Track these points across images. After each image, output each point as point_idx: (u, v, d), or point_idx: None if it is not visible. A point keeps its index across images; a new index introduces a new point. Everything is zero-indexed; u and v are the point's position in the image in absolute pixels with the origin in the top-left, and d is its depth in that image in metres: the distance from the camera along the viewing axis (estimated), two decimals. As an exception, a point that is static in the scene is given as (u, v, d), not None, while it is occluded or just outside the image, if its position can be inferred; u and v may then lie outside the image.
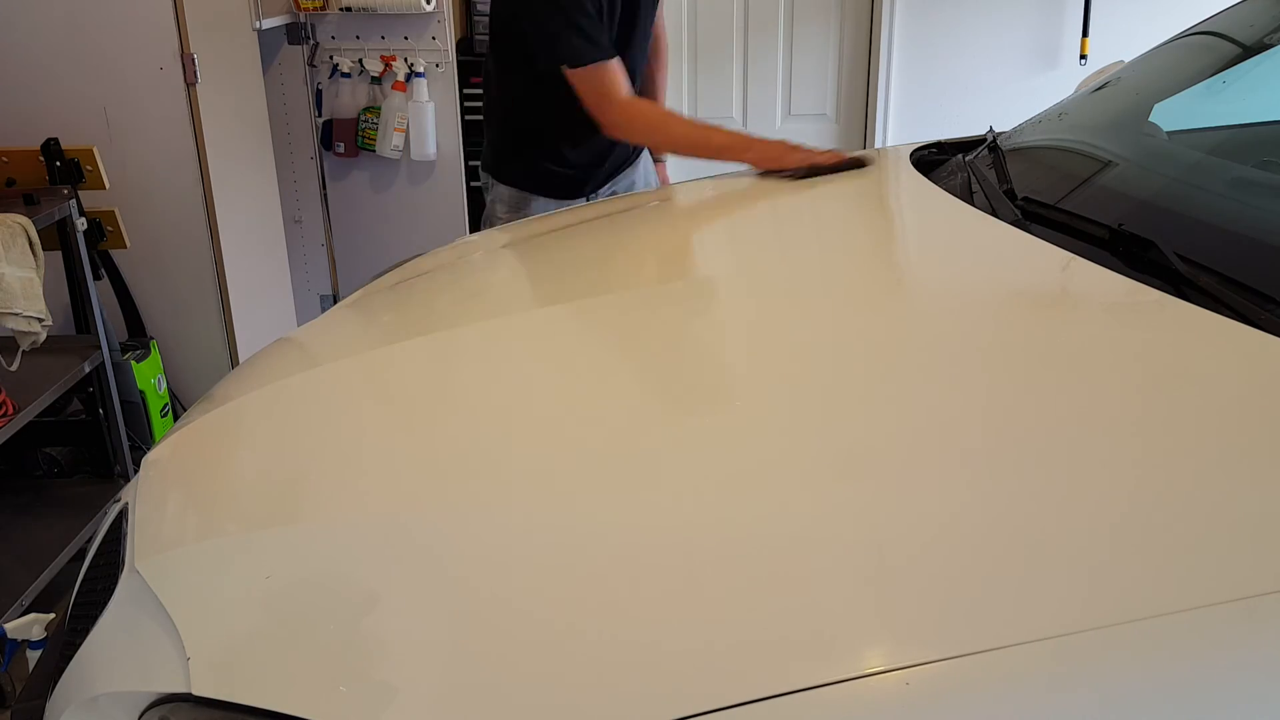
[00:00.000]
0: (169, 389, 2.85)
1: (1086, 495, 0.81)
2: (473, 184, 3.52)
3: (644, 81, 2.29)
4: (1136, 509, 0.79)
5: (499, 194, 2.23)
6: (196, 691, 0.79)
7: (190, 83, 2.59)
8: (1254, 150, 1.57)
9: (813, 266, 1.41)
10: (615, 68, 1.91)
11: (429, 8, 3.20)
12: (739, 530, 0.82)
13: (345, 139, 3.42)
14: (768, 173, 1.79)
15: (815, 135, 3.84)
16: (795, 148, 1.80)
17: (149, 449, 1.83)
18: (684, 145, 2.02)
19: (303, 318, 3.17)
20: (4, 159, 2.38)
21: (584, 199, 2.21)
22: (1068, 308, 1.18)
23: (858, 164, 1.76)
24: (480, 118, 3.49)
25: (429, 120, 3.34)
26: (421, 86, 3.31)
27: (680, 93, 3.81)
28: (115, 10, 2.56)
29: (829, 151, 1.80)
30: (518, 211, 2.18)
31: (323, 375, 1.31)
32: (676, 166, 3.86)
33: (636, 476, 0.94)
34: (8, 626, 1.43)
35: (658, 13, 2.21)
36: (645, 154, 2.36)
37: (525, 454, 0.99)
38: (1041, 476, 0.84)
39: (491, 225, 2.22)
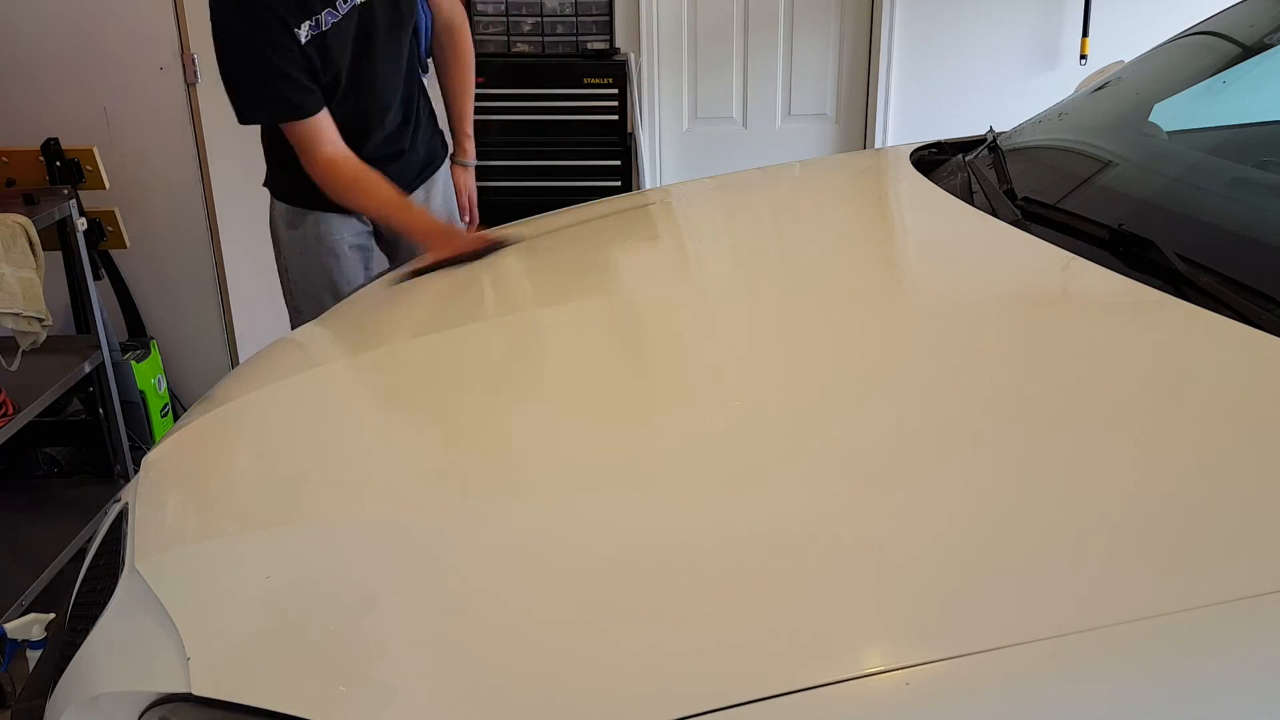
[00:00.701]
0: (169, 389, 2.85)
1: (1087, 495, 0.81)
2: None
3: (446, 86, 2.27)
4: (1137, 509, 0.79)
5: (277, 210, 2.09)
6: (196, 691, 0.79)
7: (190, 83, 2.59)
8: (1254, 150, 1.57)
9: (814, 266, 1.41)
10: (317, 124, 1.85)
11: (429, 8, 3.20)
12: (739, 530, 0.82)
13: (345, 139, 3.41)
14: (418, 271, 1.70)
15: (815, 135, 3.84)
16: (454, 235, 1.88)
17: (149, 449, 1.83)
18: (376, 209, 1.96)
19: (303, 317, 3.16)
20: (4, 159, 2.38)
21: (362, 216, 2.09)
22: (1068, 308, 1.18)
23: (498, 246, 1.69)
24: (481, 117, 3.50)
25: (429, 120, 3.34)
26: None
27: (680, 93, 3.81)
28: (115, 10, 2.57)
29: (476, 237, 1.81)
30: (297, 228, 2.06)
31: (323, 375, 1.31)
32: (676, 169, 3.86)
33: (637, 476, 0.94)
34: (8, 626, 1.43)
35: (448, 6, 2.17)
36: (445, 169, 2.29)
37: (525, 454, 0.99)
38: (1042, 476, 0.84)
39: (277, 243, 2.10)
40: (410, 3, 2.02)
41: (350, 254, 2.07)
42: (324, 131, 1.86)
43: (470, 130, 2.34)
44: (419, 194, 2.16)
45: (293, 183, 2.00)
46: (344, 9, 1.87)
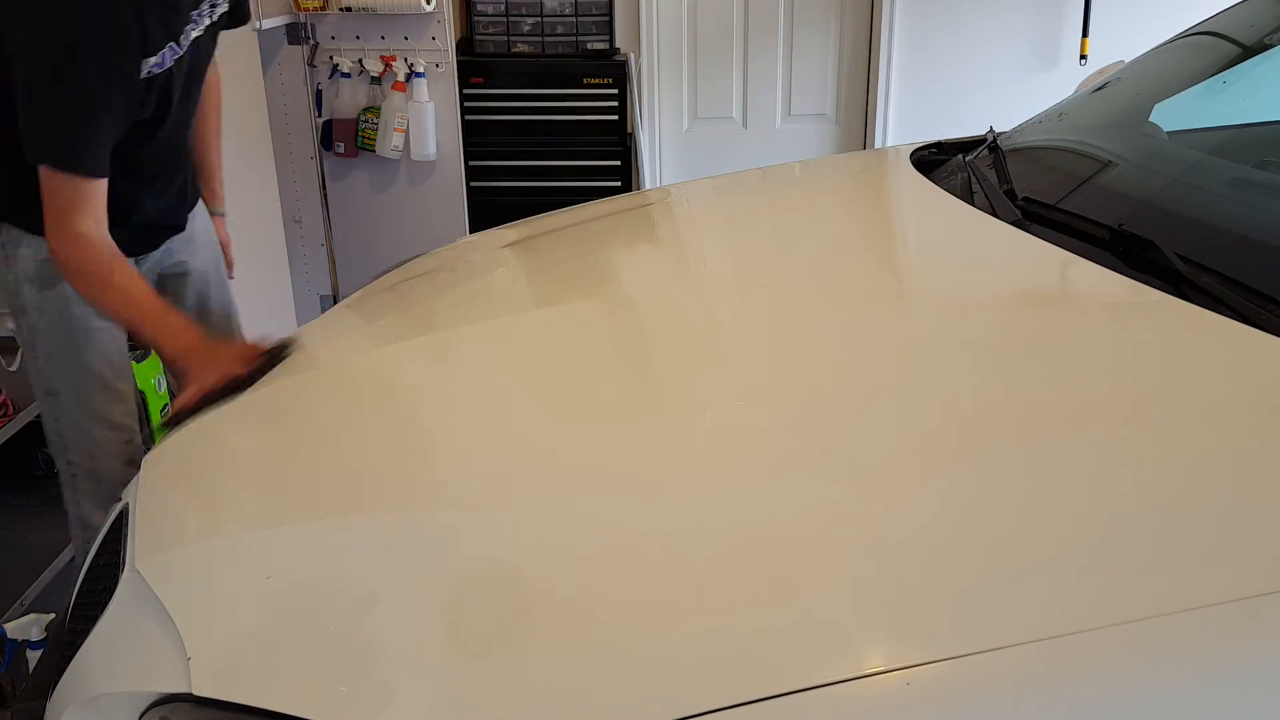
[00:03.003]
0: (169, 389, 2.85)
1: (1087, 495, 0.81)
2: (473, 184, 3.52)
3: (201, 129, 1.87)
4: (1137, 509, 0.79)
5: (22, 262, 1.57)
6: (197, 691, 0.79)
7: (190, 83, 2.58)
8: (1254, 150, 1.57)
9: (814, 267, 1.41)
10: (97, 190, 1.44)
11: (429, 8, 3.20)
12: (740, 531, 0.82)
13: (345, 139, 3.41)
14: (179, 414, 1.35)
15: (815, 135, 3.84)
16: (217, 353, 1.44)
17: (149, 449, 1.83)
18: (129, 311, 1.51)
19: (303, 318, 3.17)
20: (4, 159, 2.38)
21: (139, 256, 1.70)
22: (1068, 308, 1.18)
23: (277, 358, 1.38)
24: (482, 117, 3.51)
25: (429, 120, 3.34)
26: (421, 86, 3.31)
27: (680, 93, 3.81)
28: (115, 10, 2.56)
29: (246, 352, 1.40)
30: (53, 287, 1.58)
31: (323, 375, 1.31)
32: (676, 169, 3.86)
33: (637, 477, 0.94)
34: (8, 626, 1.43)
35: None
36: (206, 221, 1.90)
37: (525, 454, 0.99)
38: (1042, 477, 0.84)
39: (18, 311, 1.62)
40: (215, 36, 1.69)
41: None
42: (97, 200, 1.45)
43: (222, 177, 2.00)
44: (179, 250, 1.81)
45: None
46: (185, 45, 1.54)
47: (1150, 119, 1.61)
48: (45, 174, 1.43)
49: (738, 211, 1.79)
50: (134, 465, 1.56)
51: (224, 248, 1.99)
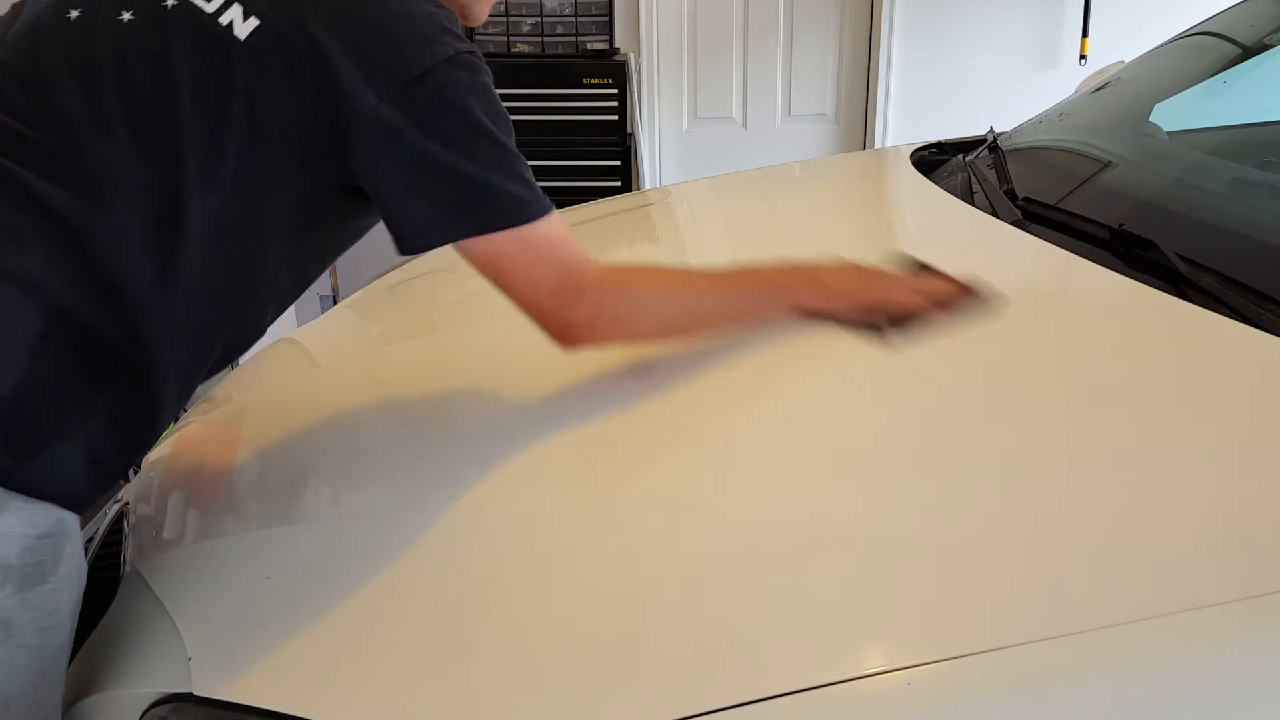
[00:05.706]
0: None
1: (1087, 495, 0.81)
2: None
3: None
4: (1137, 509, 0.79)
5: (8, 545, 0.81)
6: (197, 691, 0.79)
7: (190, 83, 2.58)
8: (1254, 150, 1.57)
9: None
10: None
11: (429, 8, 3.20)
12: (739, 529, 0.82)
13: (345, 139, 3.41)
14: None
15: (815, 135, 3.84)
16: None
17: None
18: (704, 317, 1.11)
19: (303, 318, 3.17)
20: (4, 159, 2.38)
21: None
22: (1068, 308, 1.18)
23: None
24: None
25: (429, 120, 3.34)
26: (421, 86, 3.31)
27: (680, 93, 3.81)
28: (115, 10, 2.56)
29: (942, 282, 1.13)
30: (41, 581, 0.84)
31: (323, 375, 1.31)
32: (676, 169, 3.86)
33: (636, 476, 0.94)
34: (8, 626, 1.42)
35: None
36: None
37: (525, 453, 0.99)
38: (1042, 476, 0.84)
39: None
40: None
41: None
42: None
43: None
44: None
45: (86, 449, 0.86)
46: None
47: (1150, 119, 1.61)
48: (506, 242, 1.00)
49: (738, 212, 1.79)
50: None
51: None
